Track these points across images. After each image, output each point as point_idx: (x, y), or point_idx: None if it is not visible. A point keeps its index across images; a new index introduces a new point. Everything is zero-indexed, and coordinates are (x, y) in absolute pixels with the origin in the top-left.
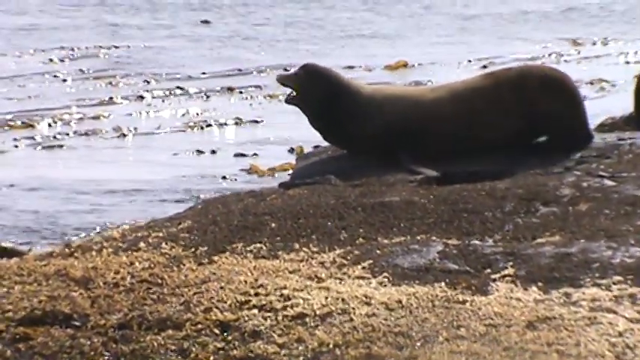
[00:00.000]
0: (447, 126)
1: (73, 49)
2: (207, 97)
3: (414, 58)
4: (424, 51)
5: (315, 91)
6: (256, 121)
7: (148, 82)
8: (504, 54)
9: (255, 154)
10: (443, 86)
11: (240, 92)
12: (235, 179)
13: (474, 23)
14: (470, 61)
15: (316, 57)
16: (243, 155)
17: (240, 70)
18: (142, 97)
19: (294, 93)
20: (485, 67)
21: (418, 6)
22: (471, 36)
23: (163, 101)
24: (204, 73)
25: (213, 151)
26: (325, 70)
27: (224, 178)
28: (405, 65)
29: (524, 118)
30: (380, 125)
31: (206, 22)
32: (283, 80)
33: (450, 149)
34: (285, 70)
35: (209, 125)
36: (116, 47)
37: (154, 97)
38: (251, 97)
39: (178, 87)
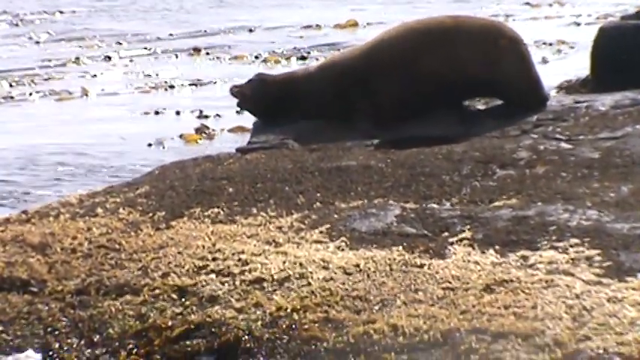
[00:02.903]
0: (400, 63)
1: (17, 15)
2: (176, 56)
3: (363, 18)
4: (369, 10)
5: (266, 98)
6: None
7: (120, 44)
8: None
9: (217, 115)
10: (399, 26)
11: (207, 53)
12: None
13: None
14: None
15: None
16: (205, 117)
17: (206, 31)
18: (109, 58)
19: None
20: None
21: None
22: None
23: (131, 61)
24: (171, 35)
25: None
26: (271, 78)
27: (181, 137)
28: (355, 24)
29: (481, 69)
30: (330, 85)
31: None
32: (236, 94)
33: (402, 98)
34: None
35: (172, 87)
36: (61, 12)
37: (121, 58)
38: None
39: (145, 47)
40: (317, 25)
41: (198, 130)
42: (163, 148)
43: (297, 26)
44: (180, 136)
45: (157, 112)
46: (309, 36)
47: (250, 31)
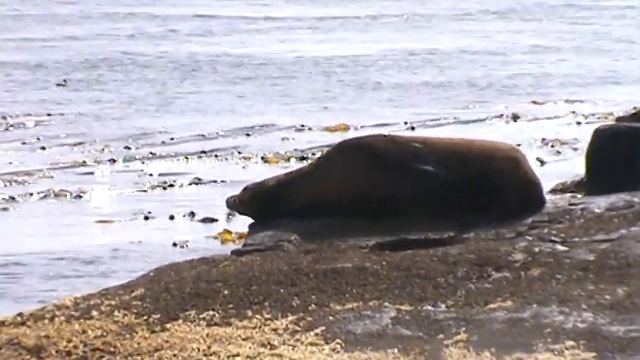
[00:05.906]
0: None
1: (4, 117)
2: (186, 159)
3: (355, 121)
4: (364, 114)
5: (259, 204)
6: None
7: (129, 149)
8: (445, 115)
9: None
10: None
11: (216, 156)
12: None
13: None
14: (405, 123)
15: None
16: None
17: (204, 135)
18: (114, 161)
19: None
20: (413, 128)
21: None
22: (404, 100)
23: (143, 162)
24: (172, 139)
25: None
26: (260, 185)
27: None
28: (346, 128)
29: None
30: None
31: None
32: (231, 207)
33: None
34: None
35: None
36: (49, 115)
37: (127, 160)
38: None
39: (151, 152)
40: (309, 128)
41: (227, 231)
42: (185, 247)
43: (291, 129)
44: (215, 238)
45: (193, 214)
46: (302, 138)
47: (247, 135)
